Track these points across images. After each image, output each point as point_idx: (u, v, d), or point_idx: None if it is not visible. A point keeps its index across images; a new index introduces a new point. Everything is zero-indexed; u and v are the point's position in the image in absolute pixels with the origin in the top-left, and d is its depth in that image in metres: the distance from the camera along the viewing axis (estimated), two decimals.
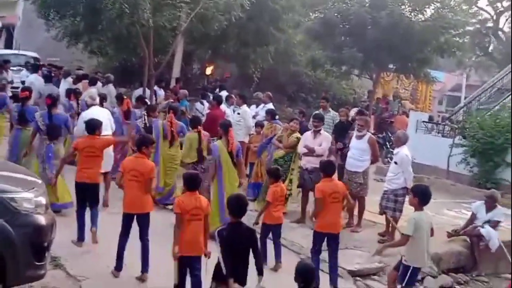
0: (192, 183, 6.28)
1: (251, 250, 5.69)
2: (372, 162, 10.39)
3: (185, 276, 6.13)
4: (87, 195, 7.93)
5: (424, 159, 14.89)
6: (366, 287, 8.14)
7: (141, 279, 6.93)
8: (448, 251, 9.48)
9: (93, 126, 8.16)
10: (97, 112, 9.82)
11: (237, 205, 5.81)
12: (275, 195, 7.78)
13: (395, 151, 9.85)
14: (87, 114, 9.63)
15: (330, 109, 12.45)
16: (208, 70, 19.24)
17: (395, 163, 9.50)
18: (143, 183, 6.99)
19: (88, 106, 10.46)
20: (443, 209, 11.87)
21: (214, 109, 12.73)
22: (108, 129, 9.64)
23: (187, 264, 6.11)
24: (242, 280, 5.63)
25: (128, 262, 7.06)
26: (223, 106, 13.15)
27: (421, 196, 6.60)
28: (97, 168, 8.00)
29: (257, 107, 14.03)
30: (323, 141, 10.11)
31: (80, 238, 7.81)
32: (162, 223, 8.03)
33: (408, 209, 8.86)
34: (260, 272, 5.68)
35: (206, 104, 14.48)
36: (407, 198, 9.26)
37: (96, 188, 8.01)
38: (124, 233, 7.04)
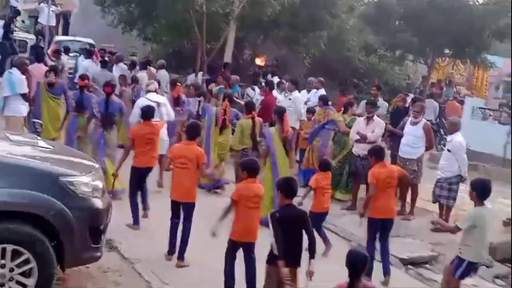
0: (253, 170, 6.26)
1: (304, 232, 5.66)
2: (427, 149, 10.22)
3: (234, 261, 6.20)
4: (142, 179, 8.12)
5: (480, 147, 14.51)
6: (419, 275, 8.05)
7: (179, 265, 7.01)
8: (504, 241, 9.22)
9: (148, 113, 8.30)
10: (150, 98, 9.97)
11: (287, 186, 5.79)
12: (318, 182, 7.76)
13: (448, 138, 9.69)
14: (143, 101, 9.80)
15: (380, 98, 12.29)
16: (258, 61, 19.17)
17: (448, 150, 9.33)
18: (192, 170, 7.05)
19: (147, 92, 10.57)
20: (499, 197, 11.57)
21: (266, 95, 12.73)
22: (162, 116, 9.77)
23: (240, 249, 6.17)
24: (296, 262, 5.63)
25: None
26: (275, 92, 13.13)
27: (480, 191, 6.33)
28: (155, 153, 8.18)
29: (308, 92, 13.96)
30: (376, 127, 9.99)
31: (136, 222, 8.00)
32: (210, 207, 8.06)
33: (462, 198, 8.72)
34: (312, 256, 5.64)
35: (257, 90, 14.50)
36: (461, 186, 9.12)
37: (150, 171, 8.27)
38: (174, 217, 7.18)
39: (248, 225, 6.11)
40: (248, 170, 6.24)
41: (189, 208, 7.15)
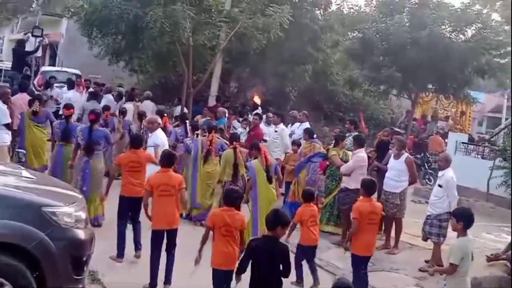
0: (230, 199, 6.31)
1: (281, 266, 5.60)
2: (410, 183, 10.24)
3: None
4: (132, 210, 8.07)
5: (464, 181, 14.53)
6: None
7: None
8: (488, 276, 9.25)
9: (138, 141, 8.37)
10: (162, 134, 10.36)
11: (274, 218, 5.73)
12: (302, 216, 7.76)
13: (440, 173, 9.53)
14: (156, 137, 10.08)
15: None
16: (257, 99, 19.26)
17: (440, 186, 9.21)
18: (175, 197, 7.12)
19: (153, 130, 10.52)
20: (482, 232, 11.62)
21: (255, 128, 12.88)
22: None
23: (222, 277, 6.14)
24: None
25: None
26: (261, 125, 13.24)
27: (466, 221, 6.26)
28: (142, 181, 8.12)
29: (292, 125, 14.05)
30: (351, 160, 10.03)
31: (120, 255, 7.91)
32: (197, 240, 8.04)
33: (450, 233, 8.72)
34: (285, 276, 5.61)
35: (238, 124, 14.63)
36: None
37: (140, 201, 8.12)
38: (156, 250, 7.13)
39: (224, 251, 6.13)
40: (225, 198, 6.39)
41: (174, 234, 7.19)
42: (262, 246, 5.64)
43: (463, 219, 6.28)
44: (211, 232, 6.27)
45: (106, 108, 13.14)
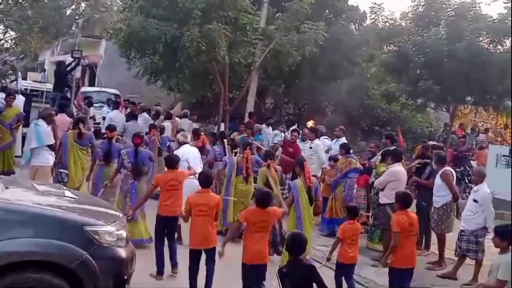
0: (262, 200, 6.62)
1: (316, 286, 5.61)
2: (454, 199, 9.85)
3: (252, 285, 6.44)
4: (168, 228, 8.17)
5: (505, 195, 14.30)
6: None
7: None
8: None
9: (173, 161, 8.44)
10: (188, 150, 10.30)
11: (296, 244, 5.82)
12: (345, 233, 7.71)
13: (475, 188, 9.30)
14: (179, 152, 10.05)
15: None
16: (310, 123, 19.27)
17: (475, 201, 9.00)
18: (212, 217, 7.29)
19: (180, 144, 10.74)
20: None
21: (293, 144, 12.92)
22: (197, 166, 9.85)
23: (253, 272, 6.44)
24: None
25: None
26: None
27: (509, 238, 6.23)
28: (179, 201, 8.22)
29: (336, 141, 13.98)
30: (384, 174, 9.95)
31: (160, 272, 7.99)
32: (233, 256, 8.08)
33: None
34: None
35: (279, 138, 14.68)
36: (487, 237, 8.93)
37: (176, 221, 8.28)
38: (194, 269, 7.24)
39: (257, 248, 6.47)
40: (257, 199, 6.67)
41: (212, 253, 7.30)
42: (293, 272, 5.66)
43: (509, 237, 6.21)
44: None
45: (153, 126, 13.41)
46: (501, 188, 13.23)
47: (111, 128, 10.56)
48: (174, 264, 8.17)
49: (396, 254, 7.25)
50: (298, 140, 13.37)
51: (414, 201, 9.36)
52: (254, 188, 9.58)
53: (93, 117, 17.18)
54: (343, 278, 7.74)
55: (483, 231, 8.86)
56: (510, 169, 16.39)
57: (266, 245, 6.62)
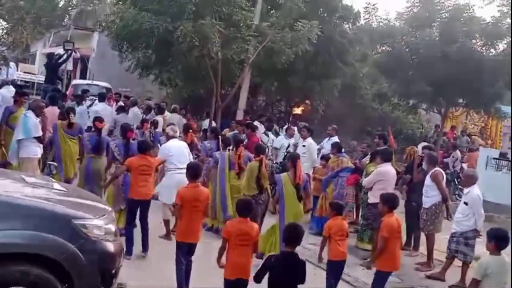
0: (243, 209, 6.44)
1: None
2: (443, 200, 9.80)
3: None
4: (141, 210, 8.45)
5: (495, 197, 14.36)
6: None
7: None
8: None
9: (147, 146, 8.65)
10: (176, 144, 10.20)
11: (293, 234, 5.81)
12: (331, 229, 7.63)
13: (465, 191, 9.30)
14: (167, 146, 10.10)
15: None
16: (298, 110, 19.10)
17: (465, 203, 9.00)
18: (202, 211, 7.29)
19: (169, 137, 10.65)
20: None
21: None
22: (185, 161, 9.73)
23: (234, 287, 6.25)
24: None
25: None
26: (282, 138, 13.42)
27: (499, 242, 6.23)
28: (151, 185, 8.44)
29: (328, 140, 13.97)
30: (373, 173, 9.96)
31: (129, 252, 8.08)
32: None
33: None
34: None
35: (271, 136, 14.62)
36: (478, 239, 8.94)
37: (149, 203, 8.48)
38: (181, 262, 7.19)
39: (238, 261, 6.23)
40: (238, 209, 6.50)
41: (194, 248, 7.33)
42: (283, 262, 5.63)
43: (497, 240, 6.23)
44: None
45: (145, 120, 13.34)
46: (490, 190, 13.28)
47: (99, 119, 10.44)
48: (145, 245, 8.43)
49: (384, 258, 7.19)
50: (284, 136, 13.49)
51: (402, 202, 9.39)
52: None
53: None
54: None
55: (473, 233, 8.85)
56: (510, 173, 16.44)
57: (249, 260, 6.31)
